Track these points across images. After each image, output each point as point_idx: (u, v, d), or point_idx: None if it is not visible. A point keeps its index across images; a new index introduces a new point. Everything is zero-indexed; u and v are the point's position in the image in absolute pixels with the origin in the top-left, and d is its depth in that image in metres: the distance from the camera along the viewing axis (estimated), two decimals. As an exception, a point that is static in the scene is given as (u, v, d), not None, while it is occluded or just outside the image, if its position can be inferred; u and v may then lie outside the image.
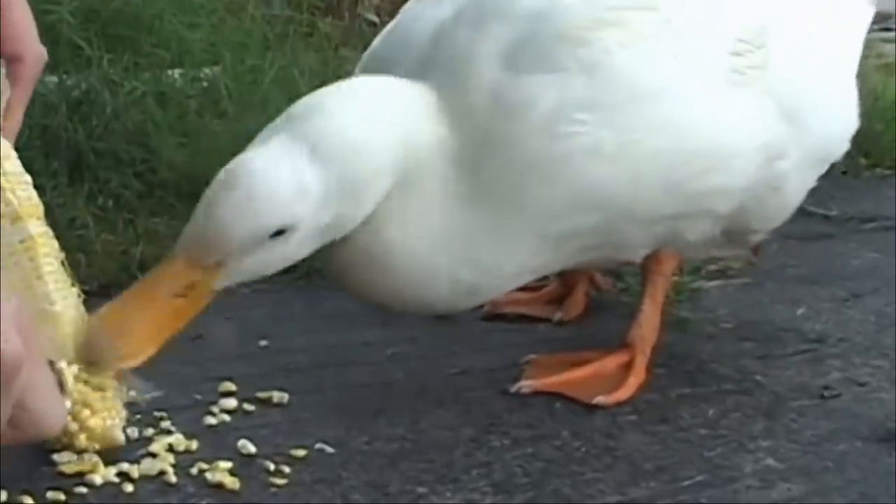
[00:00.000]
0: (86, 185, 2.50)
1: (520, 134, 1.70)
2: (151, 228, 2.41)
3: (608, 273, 2.27)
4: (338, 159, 1.61)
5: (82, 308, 1.62)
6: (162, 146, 2.66)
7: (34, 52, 1.66)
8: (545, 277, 2.06)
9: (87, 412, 1.61)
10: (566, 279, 2.19)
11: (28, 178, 1.64)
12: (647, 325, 1.96)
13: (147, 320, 1.56)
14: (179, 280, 1.58)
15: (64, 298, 1.60)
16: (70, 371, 1.54)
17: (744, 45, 1.83)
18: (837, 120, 2.00)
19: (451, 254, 1.71)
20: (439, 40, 1.77)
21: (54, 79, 2.84)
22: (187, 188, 2.46)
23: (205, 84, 3.04)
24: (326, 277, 1.81)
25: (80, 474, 1.59)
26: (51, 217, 2.29)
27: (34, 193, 1.63)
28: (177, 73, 3.05)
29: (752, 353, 2.09)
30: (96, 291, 2.01)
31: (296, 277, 2.26)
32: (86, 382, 1.60)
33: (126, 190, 2.53)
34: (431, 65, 1.75)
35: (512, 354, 1.98)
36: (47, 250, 1.61)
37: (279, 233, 1.59)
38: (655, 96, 1.74)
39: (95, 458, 1.61)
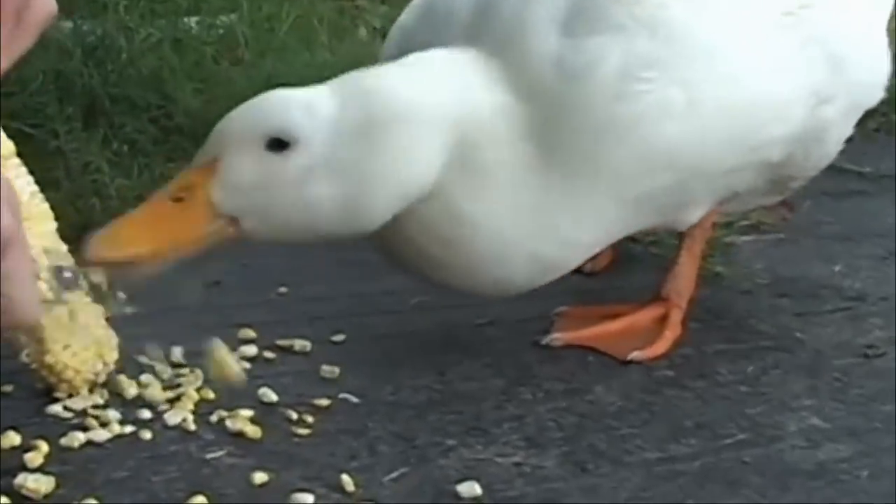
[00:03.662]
0: (100, 130, 2.43)
1: (587, 98, 1.63)
2: (167, 174, 2.32)
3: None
4: (359, 95, 1.57)
5: None
6: (178, 92, 2.59)
7: None
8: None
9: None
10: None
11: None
12: (684, 279, 1.89)
13: (143, 219, 1.54)
14: (178, 182, 1.56)
15: None
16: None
17: None
18: (873, 68, 1.94)
19: (530, 228, 1.63)
20: (486, 10, 1.69)
21: (69, 24, 2.77)
22: (203, 134, 2.36)
23: (221, 31, 2.97)
24: (383, 255, 1.73)
25: (97, 420, 1.54)
26: (64, 161, 2.28)
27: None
28: (193, 20, 2.98)
29: (790, 310, 2.02)
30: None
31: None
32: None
33: (141, 135, 2.45)
34: (480, 36, 1.67)
35: (542, 305, 1.90)
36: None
37: (279, 145, 1.53)
38: (717, 49, 1.68)
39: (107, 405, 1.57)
